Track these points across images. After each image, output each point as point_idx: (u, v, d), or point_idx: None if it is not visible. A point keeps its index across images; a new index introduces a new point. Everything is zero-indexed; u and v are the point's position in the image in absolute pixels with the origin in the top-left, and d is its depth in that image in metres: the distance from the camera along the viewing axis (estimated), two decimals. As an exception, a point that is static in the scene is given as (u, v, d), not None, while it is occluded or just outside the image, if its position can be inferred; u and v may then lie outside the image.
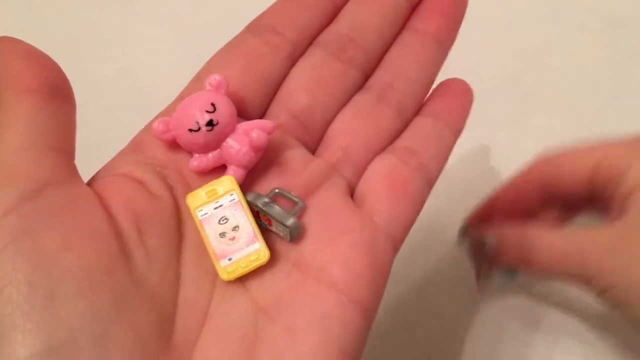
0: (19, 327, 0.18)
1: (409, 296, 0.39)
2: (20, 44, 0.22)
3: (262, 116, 0.26)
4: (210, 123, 0.23)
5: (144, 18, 0.52)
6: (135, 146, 0.24)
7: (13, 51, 0.22)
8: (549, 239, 0.31)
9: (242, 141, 0.23)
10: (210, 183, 0.23)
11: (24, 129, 0.21)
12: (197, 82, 0.26)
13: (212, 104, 0.23)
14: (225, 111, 0.24)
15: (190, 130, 0.23)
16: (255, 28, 0.27)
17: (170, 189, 0.23)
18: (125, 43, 0.50)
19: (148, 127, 0.25)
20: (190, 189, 0.23)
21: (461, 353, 0.37)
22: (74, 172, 0.22)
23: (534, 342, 0.37)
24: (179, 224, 0.23)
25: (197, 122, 0.23)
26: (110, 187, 0.22)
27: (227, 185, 0.23)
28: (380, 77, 0.28)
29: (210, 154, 0.24)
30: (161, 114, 0.25)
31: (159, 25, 0.51)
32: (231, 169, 0.24)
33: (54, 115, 0.21)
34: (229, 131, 0.24)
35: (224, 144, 0.24)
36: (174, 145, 0.24)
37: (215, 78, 0.24)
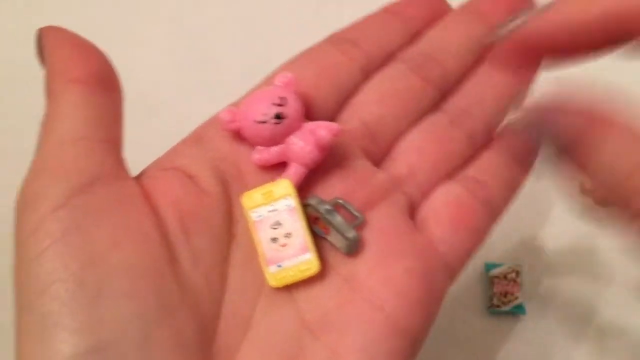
0: (64, 325, 0.18)
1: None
2: (67, 33, 0.22)
3: (331, 121, 0.25)
4: (278, 116, 0.22)
5: (144, 18, 0.50)
6: (196, 138, 0.23)
7: (60, 40, 0.21)
8: None
9: (307, 139, 0.22)
10: (267, 185, 0.22)
11: (73, 120, 0.20)
12: (268, 83, 0.25)
13: (281, 98, 0.23)
14: (294, 107, 0.23)
15: (257, 121, 0.22)
16: (334, 39, 0.26)
17: (226, 185, 0.22)
18: (125, 43, 0.48)
19: (210, 120, 0.24)
20: (246, 185, 0.23)
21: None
22: (121, 165, 0.21)
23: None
24: (230, 223, 0.22)
25: (265, 114, 0.22)
26: (160, 183, 0.22)
27: (283, 189, 0.22)
28: (456, 101, 0.26)
29: (273, 149, 0.23)
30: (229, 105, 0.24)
31: (159, 25, 0.50)
32: (293, 166, 0.23)
33: (102, 105, 0.21)
34: (296, 127, 0.23)
35: (288, 139, 0.23)
36: (237, 136, 0.23)
37: (285, 75, 0.23)
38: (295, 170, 0.23)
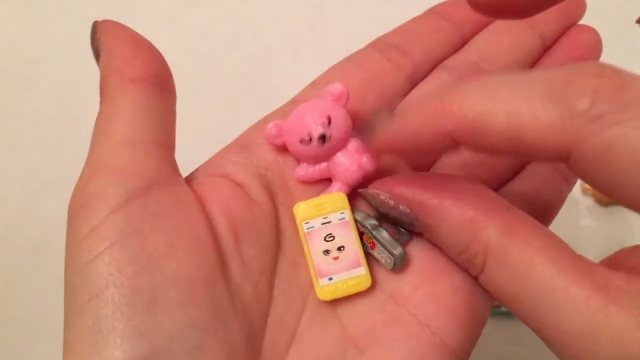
0: (118, 331, 0.17)
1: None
2: (126, 30, 0.21)
3: None
4: (323, 137, 0.22)
5: (144, 18, 0.49)
6: (242, 145, 0.23)
7: (119, 37, 0.21)
8: None
9: (352, 159, 0.22)
10: (321, 197, 0.22)
11: (131, 121, 0.20)
12: (313, 87, 0.24)
13: (329, 117, 0.22)
14: (340, 126, 0.22)
15: (302, 140, 0.22)
16: (379, 45, 0.26)
17: (272, 195, 0.22)
18: None
19: (256, 127, 0.23)
20: (292, 196, 0.22)
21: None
22: (176, 170, 0.21)
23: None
24: (277, 233, 0.22)
25: (310, 134, 0.22)
26: (211, 189, 0.21)
27: (338, 203, 0.22)
28: None
29: (317, 166, 0.23)
30: (274, 114, 0.24)
31: (159, 25, 0.49)
32: (336, 185, 0.22)
33: (159, 107, 0.20)
34: (341, 147, 0.23)
35: (333, 158, 0.22)
36: (283, 150, 0.23)
37: (337, 88, 0.23)
38: (338, 188, 0.22)
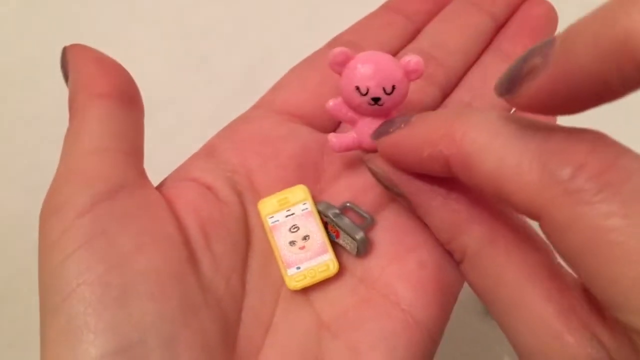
0: (91, 327, 0.18)
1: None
2: (92, 51, 0.22)
3: (335, 129, 0.26)
4: (376, 100, 0.22)
5: (143, 18, 0.50)
6: (208, 151, 0.24)
7: (85, 57, 0.22)
8: None
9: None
10: (282, 191, 0.23)
11: (97, 133, 0.21)
12: (274, 91, 0.25)
13: (393, 87, 0.21)
14: (397, 102, 0.22)
15: (358, 88, 0.21)
16: (335, 43, 0.26)
17: (239, 195, 0.23)
18: (124, 43, 0.49)
19: (221, 133, 0.24)
20: (259, 196, 0.23)
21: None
22: (143, 175, 0.22)
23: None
24: (247, 231, 0.22)
25: (368, 89, 0.21)
26: (180, 192, 0.22)
27: (300, 195, 0.23)
28: (459, 95, 0.27)
29: (351, 135, 0.23)
30: (239, 119, 0.24)
31: (158, 25, 0.50)
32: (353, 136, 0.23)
33: (125, 119, 0.21)
34: (385, 116, 0.22)
35: (367, 123, 0.22)
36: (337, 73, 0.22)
37: (418, 62, 0.21)
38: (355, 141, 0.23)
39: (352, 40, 0.27)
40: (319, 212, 0.23)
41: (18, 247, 0.38)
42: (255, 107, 0.25)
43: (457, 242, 0.20)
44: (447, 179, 0.20)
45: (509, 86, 0.16)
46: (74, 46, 0.22)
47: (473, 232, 0.19)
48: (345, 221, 0.23)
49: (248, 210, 0.23)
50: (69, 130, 0.21)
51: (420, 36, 0.28)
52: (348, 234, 0.22)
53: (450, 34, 0.27)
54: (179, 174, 0.23)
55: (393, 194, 0.22)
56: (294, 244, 0.22)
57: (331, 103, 0.23)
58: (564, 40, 0.14)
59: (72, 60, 0.22)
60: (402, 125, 0.20)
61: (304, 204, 0.23)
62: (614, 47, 0.13)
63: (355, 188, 0.24)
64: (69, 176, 0.20)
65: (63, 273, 0.18)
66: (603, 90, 0.14)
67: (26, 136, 0.40)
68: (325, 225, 0.23)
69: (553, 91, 0.15)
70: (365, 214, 0.23)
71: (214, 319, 0.20)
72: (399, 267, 0.22)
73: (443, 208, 0.20)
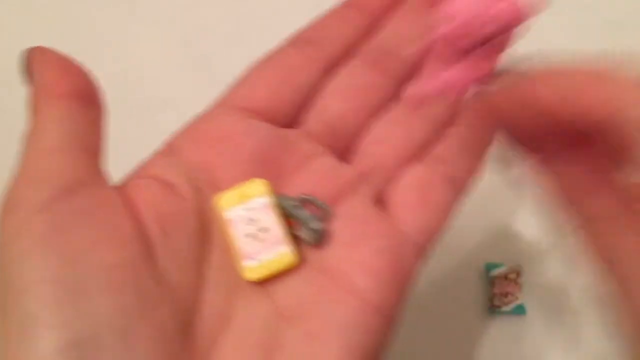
0: (43, 322, 0.18)
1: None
2: (53, 54, 0.23)
3: (294, 124, 0.26)
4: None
5: (143, 18, 0.51)
6: (168, 149, 0.24)
7: (46, 60, 0.22)
8: None
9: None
10: (240, 185, 0.23)
11: (55, 132, 0.21)
12: (233, 88, 0.26)
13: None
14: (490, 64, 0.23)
15: (467, 32, 0.23)
16: (293, 40, 0.27)
17: (199, 191, 0.23)
18: (124, 44, 0.50)
19: (181, 132, 0.25)
20: (220, 192, 0.23)
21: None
22: (100, 173, 0.22)
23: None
24: (206, 226, 0.23)
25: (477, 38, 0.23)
26: (138, 188, 0.22)
27: (258, 188, 0.23)
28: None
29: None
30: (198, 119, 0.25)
31: (158, 26, 0.51)
32: None
33: (84, 119, 0.22)
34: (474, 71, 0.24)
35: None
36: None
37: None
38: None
39: (311, 37, 0.27)
40: (278, 205, 0.23)
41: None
42: (215, 105, 0.26)
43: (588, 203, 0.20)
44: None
45: None
46: (36, 49, 0.23)
47: (608, 199, 0.20)
48: (303, 212, 0.23)
49: (207, 206, 0.23)
50: (27, 131, 0.22)
51: (378, 31, 0.28)
52: (305, 225, 0.23)
53: (407, 29, 0.28)
54: (139, 173, 0.24)
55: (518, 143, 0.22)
56: (251, 236, 0.23)
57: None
58: None
59: (34, 63, 0.22)
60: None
61: (262, 197, 0.23)
62: None
63: (313, 181, 0.24)
64: (26, 175, 0.21)
65: (17, 270, 0.19)
66: None
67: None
68: (284, 217, 0.23)
69: None
70: (323, 205, 0.23)
71: (171, 312, 0.20)
72: (356, 255, 0.23)
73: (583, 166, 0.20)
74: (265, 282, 0.22)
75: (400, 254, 0.23)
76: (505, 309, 0.38)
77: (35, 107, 0.22)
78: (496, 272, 0.40)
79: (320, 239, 0.23)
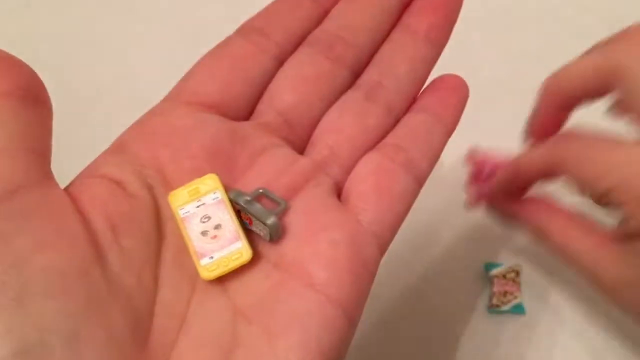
0: None
1: (402, 296, 0.39)
2: None
3: (247, 116, 0.25)
4: None
5: (142, 19, 0.51)
6: (117, 147, 0.24)
7: None
8: None
9: None
10: (192, 182, 0.22)
11: None
12: (185, 82, 0.25)
13: None
14: None
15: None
16: (243, 30, 0.26)
17: (150, 188, 0.22)
18: (124, 44, 0.50)
19: (131, 128, 0.24)
20: (171, 188, 0.23)
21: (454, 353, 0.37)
22: (47, 174, 0.21)
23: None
24: (159, 224, 0.22)
25: None
26: (86, 188, 0.22)
27: (210, 184, 0.22)
28: (369, 75, 0.27)
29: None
30: (149, 113, 0.25)
31: (157, 26, 0.51)
32: None
33: (28, 118, 0.21)
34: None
35: None
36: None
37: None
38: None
39: (260, 26, 0.27)
40: (231, 200, 0.23)
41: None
42: (165, 100, 0.25)
43: None
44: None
45: None
46: None
47: None
48: (257, 207, 0.22)
49: (160, 203, 0.22)
50: None
51: (327, 18, 0.27)
52: (259, 220, 0.22)
53: (357, 14, 0.27)
54: (87, 172, 0.23)
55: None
56: (205, 234, 0.22)
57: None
58: None
59: None
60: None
61: (215, 193, 0.23)
62: None
63: (268, 175, 0.24)
64: None
65: None
66: None
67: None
68: (238, 213, 0.23)
69: None
70: (278, 199, 0.23)
71: (123, 314, 0.20)
72: (312, 248, 0.22)
73: None
74: (222, 279, 0.22)
75: (359, 244, 0.22)
76: (504, 308, 0.38)
77: None
78: (495, 271, 0.39)
79: (276, 235, 0.22)
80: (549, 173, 0.31)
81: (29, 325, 0.18)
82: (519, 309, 0.38)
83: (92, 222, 0.21)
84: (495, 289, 0.38)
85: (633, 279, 0.28)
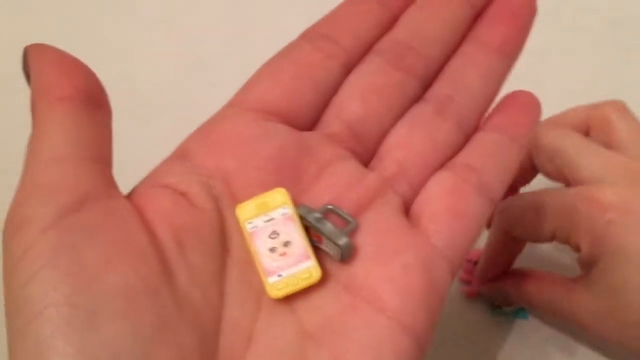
0: (59, 351, 0.17)
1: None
2: (52, 50, 0.21)
3: (314, 124, 0.25)
4: None
5: (142, 21, 0.50)
6: (181, 154, 0.23)
7: (45, 58, 0.21)
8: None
9: None
10: (261, 195, 0.22)
11: (60, 140, 0.19)
12: (247, 87, 0.24)
13: None
14: None
15: None
16: (309, 35, 0.25)
17: (216, 200, 0.22)
18: (123, 46, 0.48)
19: (194, 135, 0.23)
20: (237, 200, 0.22)
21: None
22: (111, 184, 0.20)
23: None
24: (224, 238, 0.21)
25: None
26: (151, 200, 0.21)
27: (279, 199, 0.22)
28: (439, 88, 0.26)
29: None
30: (212, 121, 0.24)
31: (157, 27, 0.50)
32: None
33: (90, 123, 0.20)
34: None
35: None
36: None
37: None
38: None
39: (325, 31, 0.25)
40: (300, 217, 0.22)
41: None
42: (229, 106, 0.24)
43: None
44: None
45: None
46: (34, 46, 0.21)
47: None
48: (328, 226, 0.21)
49: (225, 216, 0.22)
50: (31, 138, 0.20)
51: (397, 25, 0.26)
52: (330, 240, 0.21)
53: (429, 22, 0.26)
54: (151, 180, 0.22)
55: None
56: (274, 250, 0.21)
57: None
58: None
59: (32, 62, 0.20)
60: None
61: (283, 208, 0.22)
62: None
63: (336, 189, 0.23)
64: (31, 189, 0.19)
65: (28, 294, 0.17)
66: None
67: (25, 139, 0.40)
68: (307, 229, 0.22)
69: None
70: (348, 217, 0.22)
71: (191, 333, 0.19)
72: (384, 271, 0.21)
73: None
74: (289, 297, 0.21)
75: (432, 270, 0.22)
76: (507, 309, 0.38)
77: (36, 111, 0.20)
78: None
79: (347, 255, 0.21)
80: (508, 246, 0.35)
81: (102, 347, 0.17)
82: (522, 315, 0.37)
83: (159, 235, 0.20)
84: None
85: (603, 310, 0.30)
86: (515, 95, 0.26)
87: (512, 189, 0.37)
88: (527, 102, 0.26)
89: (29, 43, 0.21)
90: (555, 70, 0.47)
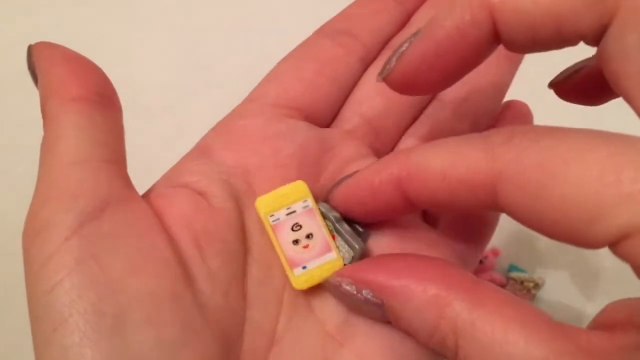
0: (87, 357, 0.17)
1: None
2: (60, 49, 0.20)
3: (333, 120, 0.24)
4: None
5: (142, 22, 0.50)
6: (201, 151, 0.22)
7: (53, 57, 0.20)
8: None
9: None
10: (281, 188, 0.21)
11: (75, 142, 0.19)
12: (268, 82, 0.24)
13: None
14: None
15: None
16: (327, 31, 0.25)
17: (236, 199, 0.21)
18: (123, 47, 0.48)
19: (214, 131, 0.23)
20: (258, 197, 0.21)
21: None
22: (129, 185, 0.20)
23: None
24: (244, 238, 0.21)
25: None
26: (170, 201, 0.21)
27: (300, 191, 0.21)
28: (455, 89, 0.25)
29: None
30: (233, 115, 0.23)
31: (157, 28, 0.49)
32: None
33: (103, 124, 0.20)
34: None
35: None
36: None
37: None
38: None
39: (343, 27, 0.25)
40: (321, 213, 0.22)
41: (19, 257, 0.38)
42: (249, 101, 0.24)
43: (443, 324, 0.17)
44: (409, 266, 0.19)
45: (383, 70, 0.20)
46: (40, 44, 0.20)
47: (458, 300, 0.17)
48: (346, 227, 0.21)
49: (245, 215, 0.21)
50: (43, 140, 0.19)
51: (412, 22, 0.26)
52: (347, 242, 0.21)
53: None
54: (170, 179, 0.22)
55: (367, 313, 0.20)
56: (297, 242, 0.21)
57: None
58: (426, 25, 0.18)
59: (40, 61, 0.20)
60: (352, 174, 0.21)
61: (305, 201, 0.21)
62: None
63: None
64: (49, 193, 0.19)
65: (53, 302, 0.17)
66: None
67: (26, 141, 0.40)
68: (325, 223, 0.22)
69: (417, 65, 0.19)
70: (360, 227, 0.22)
71: (215, 337, 0.19)
72: None
73: (417, 286, 0.18)
74: (308, 297, 0.21)
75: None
76: None
77: (49, 113, 0.19)
78: (514, 274, 0.39)
79: (359, 259, 0.21)
80: None
81: (129, 355, 0.17)
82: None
83: (179, 240, 0.20)
84: (507, 289, 0.39)
85: None
86: (510, 105, 0.27)
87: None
88: (521, 112, 0.27)
89: (29, 43, 0.20)
90: (555, 71, 0.47)
